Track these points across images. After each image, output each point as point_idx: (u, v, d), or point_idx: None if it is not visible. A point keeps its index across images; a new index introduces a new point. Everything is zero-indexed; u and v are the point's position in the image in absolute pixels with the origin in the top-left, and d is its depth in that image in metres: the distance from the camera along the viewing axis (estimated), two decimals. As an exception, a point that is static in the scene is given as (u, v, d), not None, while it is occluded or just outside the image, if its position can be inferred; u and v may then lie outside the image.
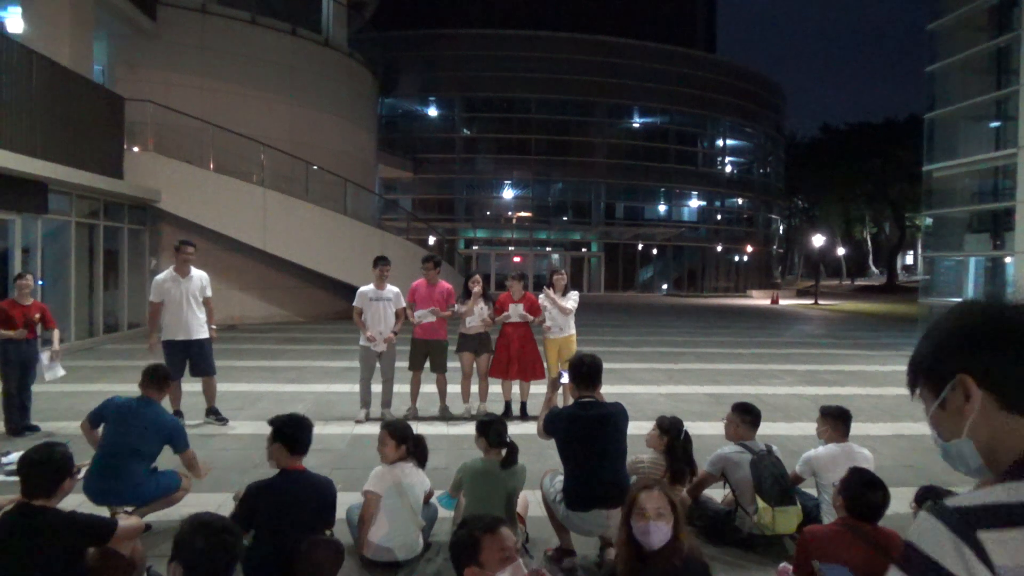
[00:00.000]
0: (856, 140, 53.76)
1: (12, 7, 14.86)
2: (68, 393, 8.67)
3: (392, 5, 32.26)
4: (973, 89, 17.11)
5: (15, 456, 5.81)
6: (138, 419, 4.52)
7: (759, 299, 40.01)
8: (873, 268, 75.01)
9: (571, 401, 4.56)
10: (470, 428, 7.33)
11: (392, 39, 35.97)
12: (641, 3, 49.00)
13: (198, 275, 7.57)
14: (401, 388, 8.01)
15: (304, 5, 21.23)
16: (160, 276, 7.52)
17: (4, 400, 6.92)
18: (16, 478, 5.32)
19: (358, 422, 7.59)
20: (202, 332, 7.45)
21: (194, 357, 7.39)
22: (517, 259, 41.70)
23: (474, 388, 8.04)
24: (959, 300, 1.22)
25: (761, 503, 4.34)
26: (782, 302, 36.03)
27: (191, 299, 7.39)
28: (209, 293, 7.62)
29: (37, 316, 7.03)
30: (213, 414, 7.52)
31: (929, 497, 3.46)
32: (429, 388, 8.08)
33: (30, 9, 14.02)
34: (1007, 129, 16.01)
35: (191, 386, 7.65)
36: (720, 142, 48.69)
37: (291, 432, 3.73)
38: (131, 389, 8.61)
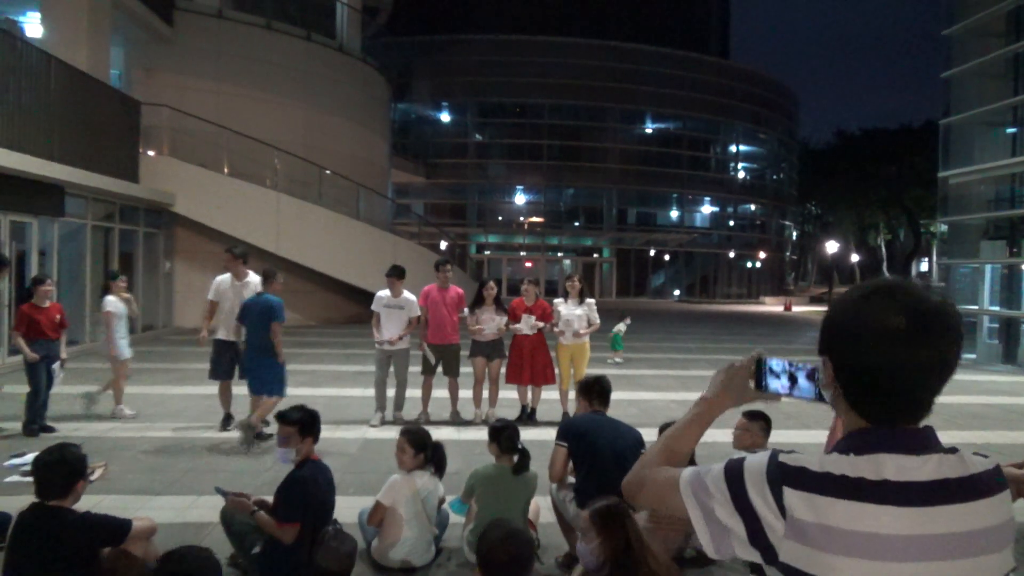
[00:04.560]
0: (870, 146, 53.43)
1: (31, 12, 15.05)
2: (82, 395, 8.72)
3: (406, 10, 32.42)
4: (989, 95, 16.95)
5: (30, 456, 5.85)
6: (257, 305, 6.90)
7: (772, 306, 39.83)
8: (887, 275, 74.47)
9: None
10: (481, 433, 7.33)
11: (406, 44, 36.15)
12: (654, 8, 48.97)
13: (255, 280, 7.58)
14: (413, 392, 8.02)
15: (319, 11, 21.38)
16: (219, 277, 7.65)
17: (30, 399, 7.00)
18: (32, 479, 5.39)
19: (372, 426, 7.61)
20: None
21: (240, 360, 7.48)
22: (528, 264, 41.71)
23: (485, 393, 8.03)
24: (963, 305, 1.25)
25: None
26: (795, 309, 35.84)
27: (240, 303, 7.46)
28: None
29: (58, 317, 7.19)
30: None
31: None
32: (441, 393, 8.09)
33: (48, 14, 14.19)
34: (1025, 135, 15.90)
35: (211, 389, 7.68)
36: (733, 148, 48.54)
37: (311, 422, 3.92)
38: (144, 391, 8.64)
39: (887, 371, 1.09)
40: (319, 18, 21.03)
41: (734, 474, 1.15)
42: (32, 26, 15.14)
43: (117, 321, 7.77)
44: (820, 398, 1.24)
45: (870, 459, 1.08)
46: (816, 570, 1.06)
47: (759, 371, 1.32)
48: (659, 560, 3.05)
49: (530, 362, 7.76)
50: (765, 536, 1.10)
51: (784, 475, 1.10)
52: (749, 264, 49.29)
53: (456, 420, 7.88)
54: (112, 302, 7.81)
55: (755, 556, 1.13)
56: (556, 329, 7.93)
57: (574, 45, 41.59)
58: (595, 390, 4.33)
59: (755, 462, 1.15)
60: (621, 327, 13.59)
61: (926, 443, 1.11)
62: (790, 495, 1.08)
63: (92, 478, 3.43)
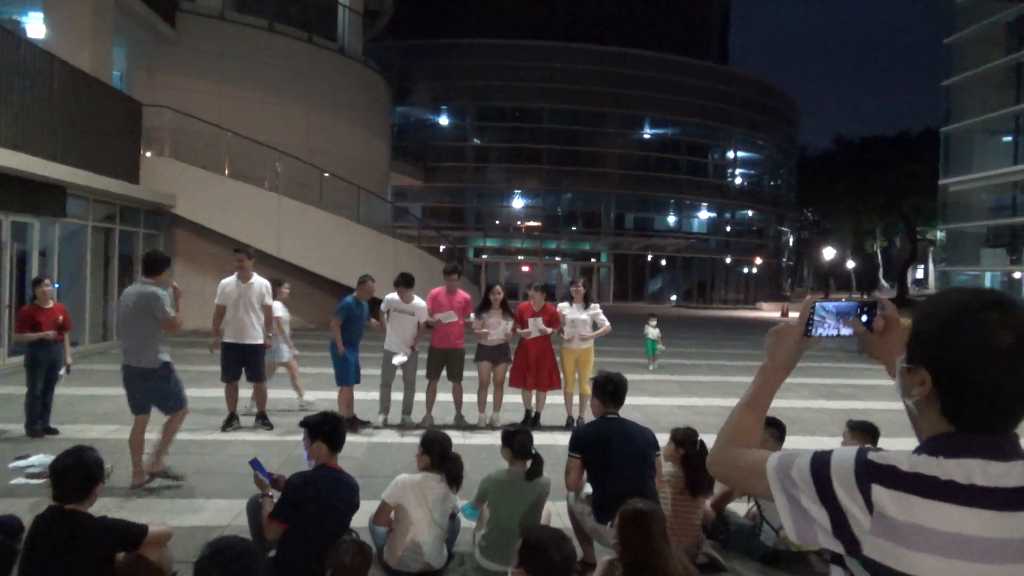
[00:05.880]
0: (869, 153, 53.47)
1: (33, 12, 15.02)
2: (84, 397, 8.70)
3: (407, 14, 32.44)
4: (990, 103, 17.04)
5: (35, 459, 5.82)
6: (361, 310, 7.79)
7: (769, 311, 39.86)
8: (883, 282, 74.63)
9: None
10: (485, 437, 7.33)
11: (406, 48, 36.14)
12: (654, 14, 49.10)
13: (259, 282, 7.60)
14: (417, 396, 8.00)
15: (320, 13, 21.37)
16: (224, 280, 7.65)
17: (28, 401, 6.96)
18: (39, 481, 5.36)
19: (376, 427, 7.59)
20: (257, 338, 7.52)
21: (248, 362, 7.49)
22: (526, 268, 41.70)
23: (489, 398, 8.02)
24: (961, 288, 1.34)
25: (787, 518, 4.30)
26: (792, 315, 35.84)
27: (247, 305, 7.44)
28: (269, 301, 7.67)
29: (60, 318, 7.14)
30: (260, 419, 7.63)
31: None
32: (445, 397, 8.08)
33: (52, 14, 14.16)
34: (1025, 144, 15.99)
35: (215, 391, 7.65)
36: (731, 154, 48.68)
37: (331, 429, 3.86)
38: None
39: (993, 386, 1.13)
40: (320, 21, 21.03)
41: (820, 468, 1.19)
42: (34, 26, 15.11)
43: (285, 325, 8.41)
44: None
45: (959, 463, 1.12)
46: (901, 566, 1.10)
47: (811, 319, 1.42)
48: (680, 565, 3.05)
49: (535, 367, 7.75)
50: (849, 529, 1.15)
51: (873, 472, 1.14)
52: (746, 270, 49.38)
53: (460, 424, 7.87)
54: (279, 307, 8.33)
55: (838, 547, 1.18)
56: (563, 335, 7.92)
57: (573, 50, 41.66)
58: (608, 389, 4.28)
59: (842, 457, 1.19)
60: (649, 331, 13.32)
61: (1012, 450, 1.15)
62: (879, 492, 1.13)
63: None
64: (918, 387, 1.20)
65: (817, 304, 1.42)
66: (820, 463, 1.20)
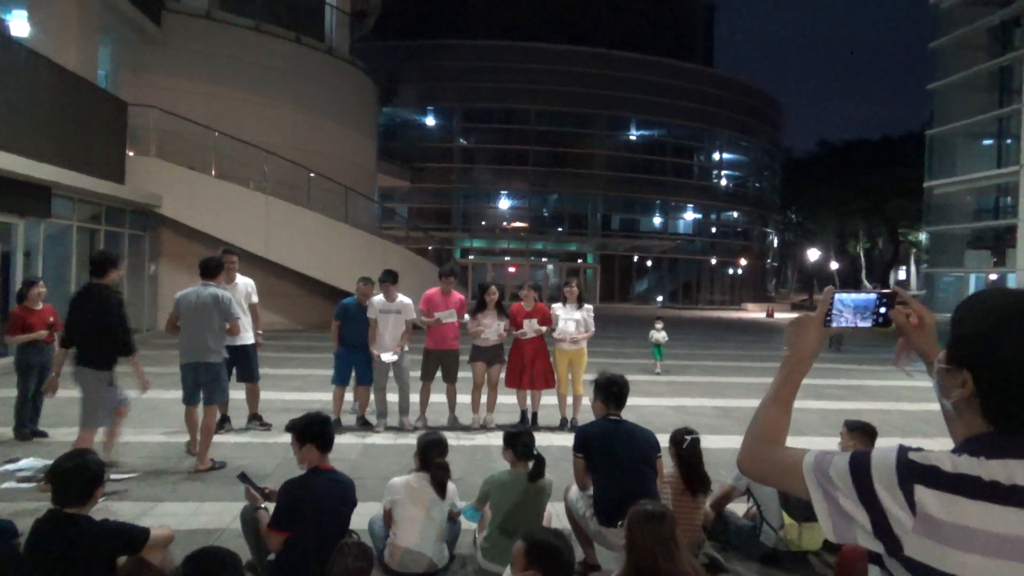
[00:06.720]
0: (853, 156, 53.94)
1: (18, 11, 14.84)
2: (73, 399, 8.53)
3: (394, 15, 32.36)
4: (974, 107, 17.25)
5: (25, 462, 5.76)
6: (361, 312, 7.63)
7: (754, 312, 40.12)
8: (866, 283, 75.29)
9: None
10: (480, 439, 7.33)
11: (394, 48, 36.10)
12: (640, 16, 49.25)
13: (244, 281, 7.56)
14: (412, 398, 7.98)
15: (308, 13, 21.28)
16: None
17: (18, 404, 6.87)
18: (29, 484, 5.30)
19: (377, 432, 7.55)
20: (247, 338, 7.43)
21: (239, 363, 7.40)
22: (512, 269, 41.67)
23: (483, 399, 8.01)
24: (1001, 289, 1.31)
25: (787, 519, 4.32)
26: (777, 315, 36.13)
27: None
28: (255, 299, 7.62)
29: (51, 320, 7.05)
30: (256, 420, 7.57)
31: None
32: (438, 398, 8.06)
33: (37, 13, 14.00)
34: (1009, 147, 16.16)
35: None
36: (717, 155, 48.94)
37: (319, 430, 3.80)
38: (131, 395, 8.50)
39: None
40: (308, 21, 20.94)
41: (860, 469, 1.20)
42: (18, 24, 14.90)
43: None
44: (878, 324, 1.41)
45: (1002, 464, 1.13)
46: (944, 566, 1.11)
47: (829, 309, 1.44)
48: (690, 567, 3.05)
49: (531, 367, 7.76)
50: (891, 529, 1.15)
51: (916, 473, 1.15)
52: (731, 271, 49.65)
53: (454, 425, 7.85)
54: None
55: (878, 547, 1.18)
56: (556, 335, 7.93)
57: (561, 52, 41.72)
58: (612, 391, 4.28)
59: (882, 458, 1.20)
60: (655, 335, 13.15)
61: None
62: (922, 492, 1.13)
63: (108, 480, 3.38)
64: (959, 388, 1.21)
65: (836, 296, 1.43)
66: (860, 463, 1.20)
